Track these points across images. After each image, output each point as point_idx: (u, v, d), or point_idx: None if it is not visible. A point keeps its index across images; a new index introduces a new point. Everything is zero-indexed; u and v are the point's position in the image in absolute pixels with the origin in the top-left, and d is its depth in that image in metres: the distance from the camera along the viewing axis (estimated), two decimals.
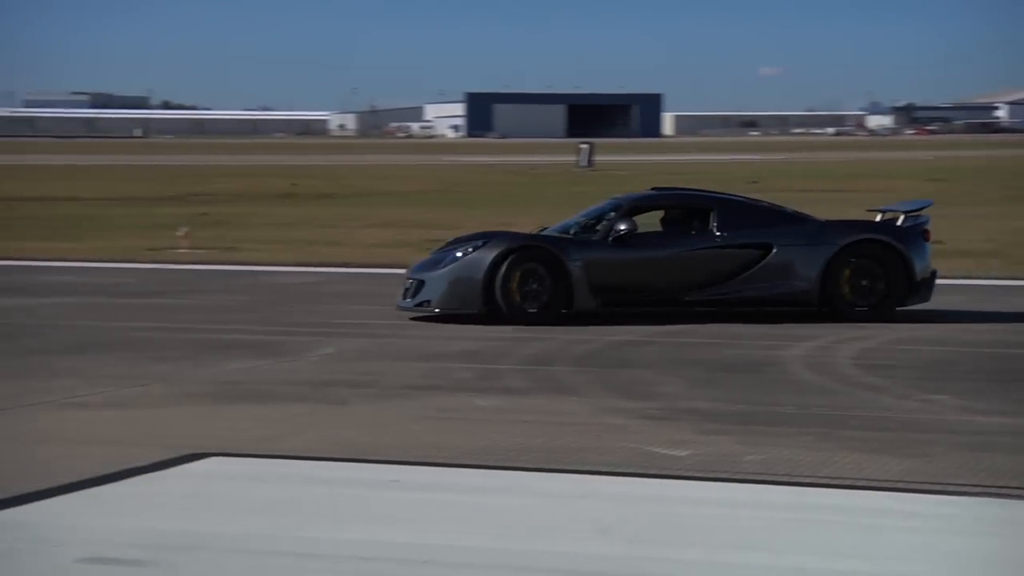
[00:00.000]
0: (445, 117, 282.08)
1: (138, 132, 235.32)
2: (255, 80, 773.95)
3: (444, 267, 18.80)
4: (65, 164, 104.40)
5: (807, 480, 11.46)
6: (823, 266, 19.60)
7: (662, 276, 19.62)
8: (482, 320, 19.58)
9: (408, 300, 19.44)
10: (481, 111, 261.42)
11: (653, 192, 24.09)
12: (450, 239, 21.91)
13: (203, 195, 55.00)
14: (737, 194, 24.72)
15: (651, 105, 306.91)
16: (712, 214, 20.84)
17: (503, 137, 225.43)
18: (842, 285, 19.84)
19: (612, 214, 20.70)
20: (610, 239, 20.30)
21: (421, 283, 19.02)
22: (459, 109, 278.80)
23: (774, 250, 19.63)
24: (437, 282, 18.61)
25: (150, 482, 11.05)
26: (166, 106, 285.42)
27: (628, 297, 19.98)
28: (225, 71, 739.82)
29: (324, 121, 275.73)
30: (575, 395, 15.76)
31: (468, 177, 77.62)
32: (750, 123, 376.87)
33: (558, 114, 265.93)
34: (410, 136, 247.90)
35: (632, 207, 21.14)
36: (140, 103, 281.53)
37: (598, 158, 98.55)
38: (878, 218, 22.08)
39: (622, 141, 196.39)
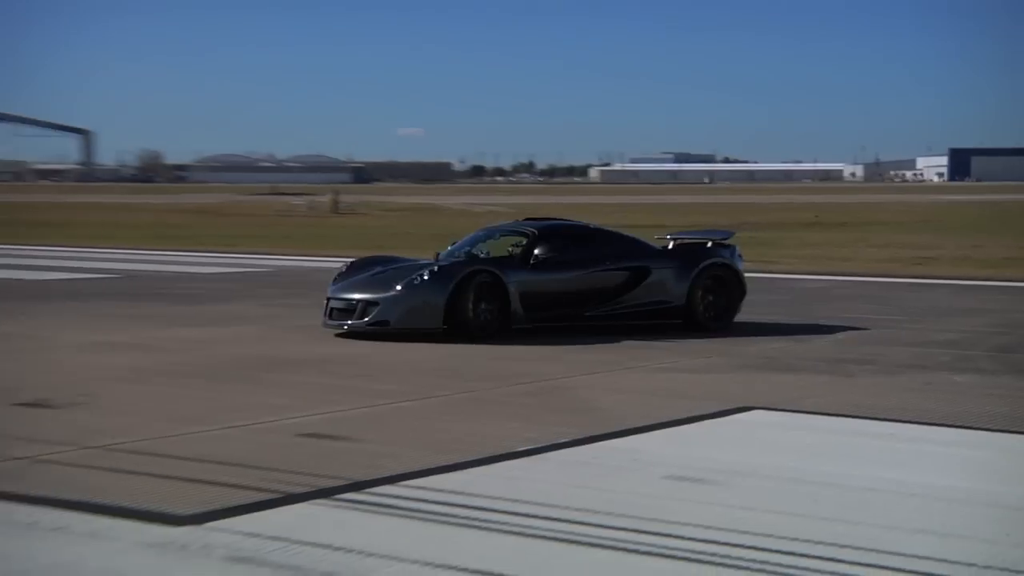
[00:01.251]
0: (932, 167, 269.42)
1: (706, 180, 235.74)
2: (789, 139, 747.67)
3: (401, 291, 17.41)
4: (655, 202, 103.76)
5: None
6: (689, 285, 19.08)
7: (572, 295, 18.54)
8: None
9: (354, 320, 17.82)
10: (961, 162, 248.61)
11: (552, 221, 21.85)
12: (347, 263, 20.47)
13: (751, 224, 54.12)
14: (604, 226, 22.98)
15: None
16: (593, 243, 20.19)
17: (978, 181, 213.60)
18: (697, 301, 19.30)
19: (523, 241, 19.48)
20: (531, 263, 18.93)
21: (370, 304, 17.58)
22: (944, 160, 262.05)
23: (652, 272, 19.09)
24: (395, 304, 17.31)
25: (713, 425, 11.65)
26: (726, 160, 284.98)
27: (547, 314, 18.64)
28: (769, 132, 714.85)
29: (839, 170, 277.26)
30: None
31: (945, 211, 74.28)
32: None
33: (1021, 164, 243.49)
34: (904, 181, 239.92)
35: (541, 235, 19.66)
36: (708, 159, 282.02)
37: None
38: (670, 244, 21.30)
39: None
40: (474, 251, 19.92)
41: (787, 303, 22.74)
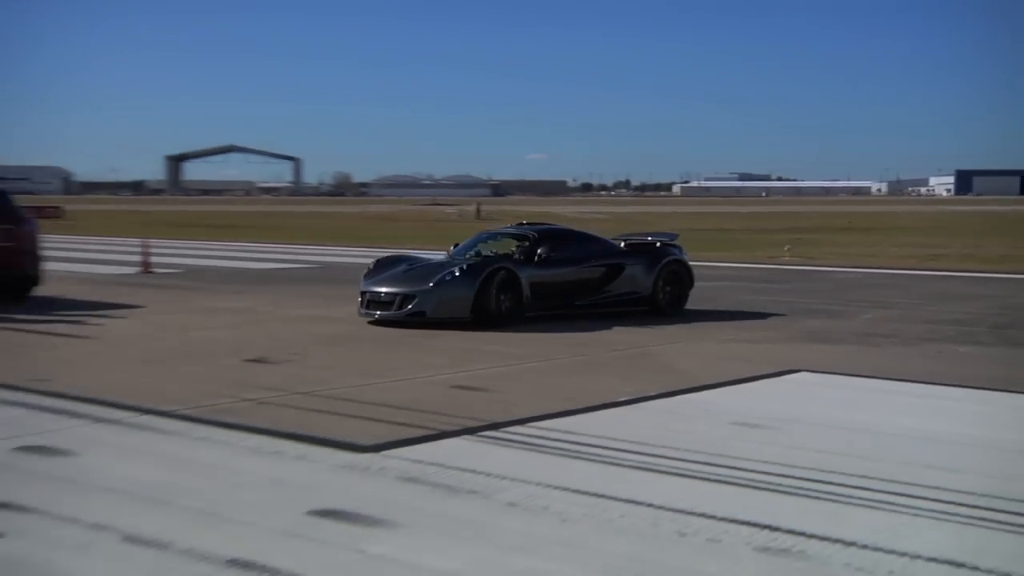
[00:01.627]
0: (942, 184, 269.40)
1: (763, 195, 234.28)
2: (830, 161, 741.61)
3: (434, 287, 15.81)
4: (719, 211, 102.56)
5: None
6: (654, 278, 18.22)
7: (568, 286, 17.39)
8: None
9: (393, 311, 16.08)
10: (965, 181, 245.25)
11: (545, 225, 20.24)
12: (375, 261, 18.08)
13: (796, 228, 53.47)
14: (585, 230, 21.77)
15: None
16: (579, 244, 18.70)
17: (978, 195, 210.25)
18: (659, 291, 18.36)
19: (526, 242, 18.12)
20: (536, 260, 17.55)
21: (407, 297, 15.91)
22: (951, 179, 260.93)
23: (625, 268, 18.08)
24: (430, 297, 15.68)
25: (768, 384, 11.74)
26: (779, 179, 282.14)
27: (549, 303, 17.36)
28: (814, 156, 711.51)
29: (868, 187, 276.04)
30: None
31: (951, 219, 72.78)
32: None
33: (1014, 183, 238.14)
34: (919, 195, 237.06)
35: (542, 236, 18.37)
36: (765, 177, 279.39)
37: None
38: (622, 244, 19.52)
39: None
40: (482, 250, 18.75)
41: (826, 291, 22.67)
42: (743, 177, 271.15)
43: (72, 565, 5.80)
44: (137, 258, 27.18)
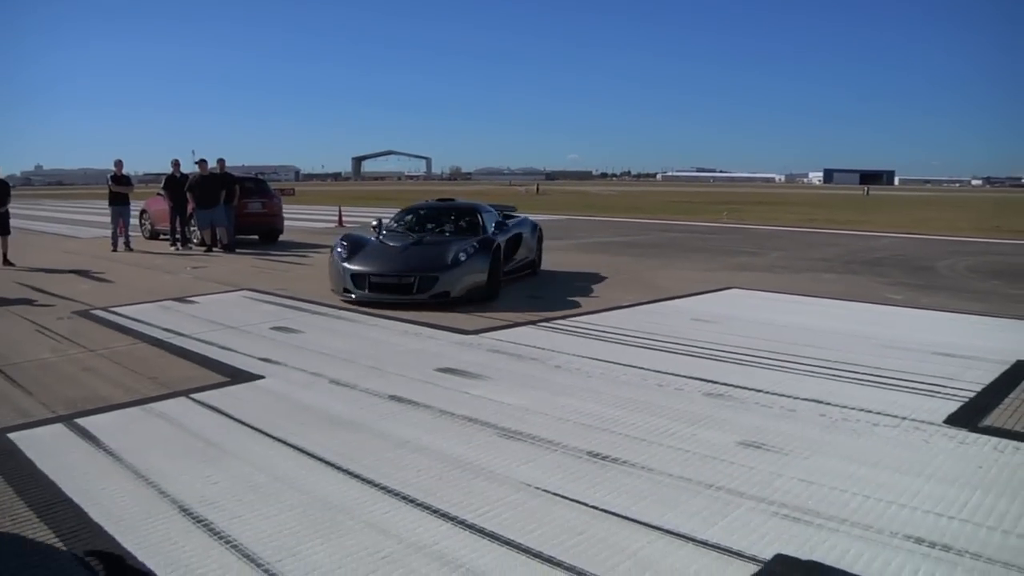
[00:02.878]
0: (815, 176, 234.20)
1: (711, 181, 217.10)
2: (756, 157, 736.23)
3: (456, 265, 10.19)
4: (684, 190, 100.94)
5: None
6: (536, 243, 13.13)
7: (508, 253, 11.55)
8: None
9: (415, 294, 10.08)
10: (829, 174, 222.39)
11: (470, 201, 13.90)
12: (346, 239, 11.10)
13: (731, 202, 52.68)
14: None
15: None
16: (487, 216, 12.19)
17: (836, 183, 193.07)
18: (538, 254, 13.29)
19: (469, 216, 12.12)
20: (497, 232, 11.82)
21: (428, 279, 10.08)
22: (821, 174, 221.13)
23: (523, 236, 12.55)
24: (453, 276, 10.05)
25: (714, 296, 11.25)
26: (721, 171, 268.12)
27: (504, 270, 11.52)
28: (747, 153, 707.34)
29: (772, 177, 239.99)
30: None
31: (821, 198, 71.41)
32: None
33: (856, 177, 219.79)
34: (803, 183, 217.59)
35: (487, 208, 12.70)
36: (712, 169, 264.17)
37: None
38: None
39: None
40: (414, 223, 12.08)
41: (748, 240, 22.01)
42: (699, 169, 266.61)
43: (301, 395, 6.05)
44: (335, 217, 27.42)
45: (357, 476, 4.46)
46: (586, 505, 4.12)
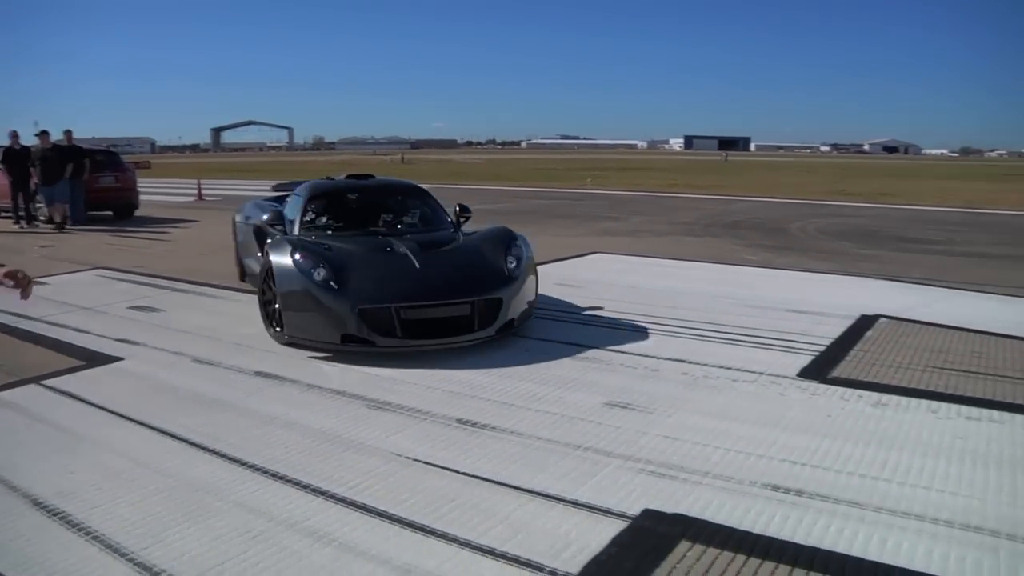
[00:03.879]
0: (676, 143, 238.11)
1: (576, 148, 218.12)
2: (618, 125, 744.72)
3: (515, 281, 6.54)
4: (549, 157, 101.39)
5: None
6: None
7: None
8: None
9: (484, 330, 6.24)
10: (689, 142, 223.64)
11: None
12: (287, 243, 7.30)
13: (595, 168, 53.48)
14: None
15: None
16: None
17: (696, 150, 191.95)
18: None
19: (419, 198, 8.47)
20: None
21: (495, 304, 6.30)
22: (681, 141, 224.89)
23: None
24: (516, 297, 6.46)
25: (579, 261, 11.36)
26: (586, 138, 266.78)
27: None
28: (609, 121, 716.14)
29: (635, 144, 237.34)
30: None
31: (681, 163, 73.18)
32: None
33: (714, 143, 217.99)
34: (664, 149, 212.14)
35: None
36: (576, 137, 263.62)
37: None
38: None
39: None
40: (348, 215, 7.92)
41: (612, 205, 22.39)
42: (564, 137, 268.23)
43: (163, 375, 5.85)
44: (194, 191, 26.34)
45: (224, 456, 4.35)
46: (457, 472, 4.14)
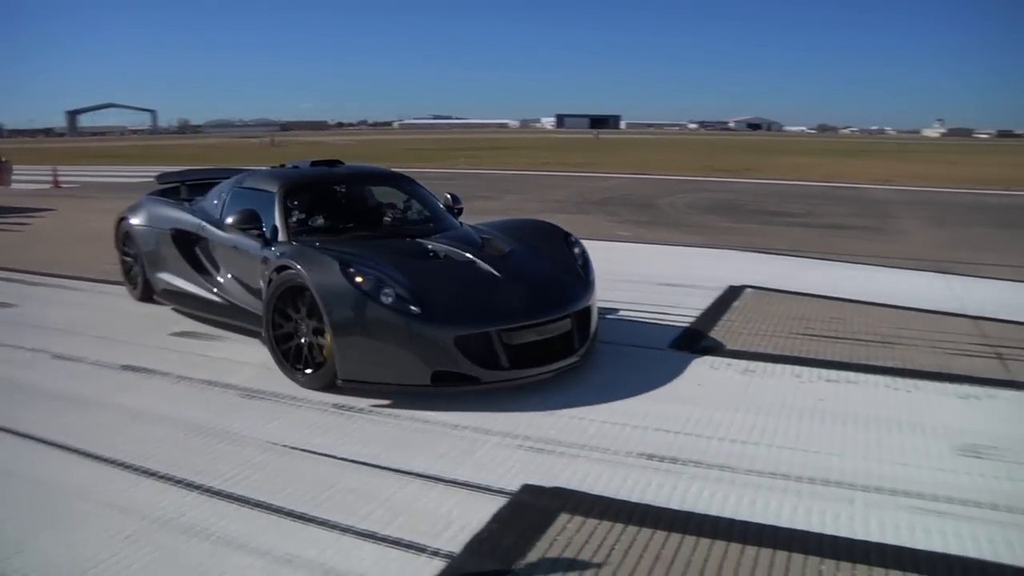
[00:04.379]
0: (548, 122, 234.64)
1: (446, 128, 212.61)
2: (494, 104, 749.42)
3: (589, 290, 5.52)
4: (423, 137, 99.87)
5: None
6: None
7: None
8: None
9: (580, 350, 5.23)
10: (561, 120, 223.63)
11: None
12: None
13: (469, 148, 53.24)
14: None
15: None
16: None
17: (567, 128, 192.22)
18: None
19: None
20: None
21: (586, 316, 5.32)
22: (553, 119, 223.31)
23: None
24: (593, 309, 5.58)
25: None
26: (459, 118, 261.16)
27: None
28: (485, 100, 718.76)
29: (507, 123, 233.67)
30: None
31: (552, 141, 73.62)
32: None
33: (586, 121, 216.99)
34: (536, 127, 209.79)
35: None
36: (448, 117, 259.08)
37: None
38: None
39: None
40: (337, 213, 6.41)
41: (485, 184, 22.25)
42: (436, 117, 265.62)
43: (20, 375, 5.55)
44: (50, 178, 25.07)
45: (91, 455, 4.16)
46: (335, 458, 4.09)
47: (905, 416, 4.67)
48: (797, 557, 3.21)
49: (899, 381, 5.28)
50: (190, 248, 6.87)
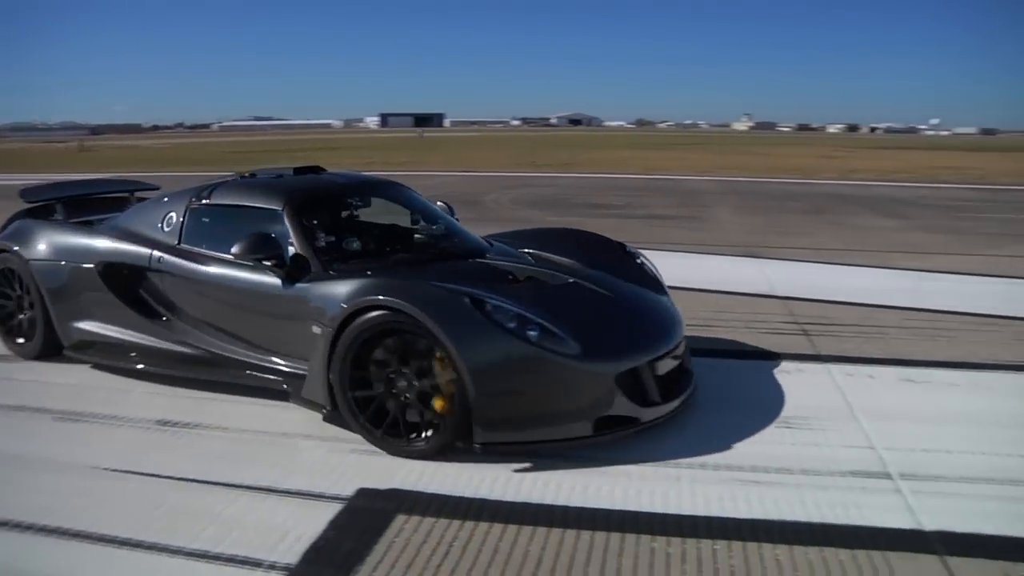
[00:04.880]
0: (372, 121, 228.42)
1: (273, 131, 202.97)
2: (314, 106, 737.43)
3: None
4: (242, 140, 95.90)
5: None
6: None
7: None
8: None
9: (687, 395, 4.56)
10: (384, 119, 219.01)
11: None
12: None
13: (295, 151, 50.90)
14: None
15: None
16: None
17: (393, 127, 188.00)
18: None
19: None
20: None
21: (687, 347, 4.86)
22: (377, 118, 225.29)
23: None
24: None
25: None
26: (280, 119, 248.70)
27: None
28: (305, 101, 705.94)
29: (328, 124, 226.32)
30: None
31: (380, 141, 72.81)
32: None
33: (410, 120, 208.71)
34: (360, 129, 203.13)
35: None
36: (268, 119, 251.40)
37: None
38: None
39: None
40: (362, 231, 5.35)
41: None
42: (257, 118, 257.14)
43: None
44: None
45: None
46: (161, 476, 3.93)
47: (725, 395, 4.91)
48: (630, 537, 3.34)
49: (718, 362, 5.54)
50: (130, 287, 5.46)
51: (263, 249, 4.67)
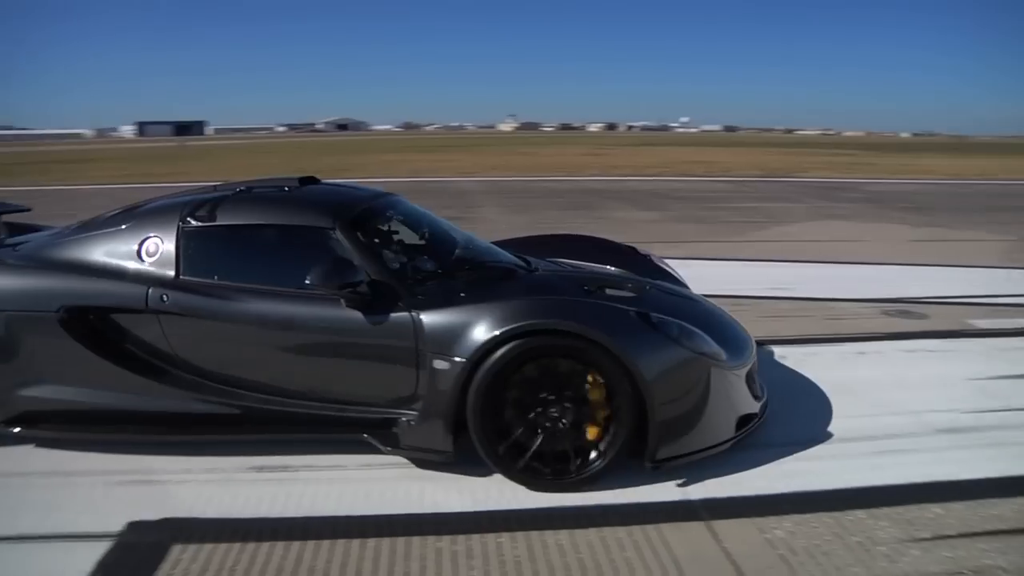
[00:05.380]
0: (128, 130, 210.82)
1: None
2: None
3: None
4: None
5: None
6: None
7: None
8: None
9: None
10: (142, 128, 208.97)
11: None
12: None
13: (43, 163, 47.40)
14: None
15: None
16: None
17: (150, 136, 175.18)
18: None
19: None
20: None
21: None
22: (134, 127, 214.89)
23: None
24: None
25: None
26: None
27: None
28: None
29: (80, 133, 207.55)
30: None
31: (144, 151, 69.04)
32: None
33: (170, 128, 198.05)
34: (118, 135, 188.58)
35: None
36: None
37: None
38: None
39: None
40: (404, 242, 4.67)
41: (73, 205, 20.25)
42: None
43: None
44: None
45: None
46: None
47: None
48: (415, 540, 3.34)
49: None
50: (110, 336, 4.21)
51: (345, 275, 3.89)
